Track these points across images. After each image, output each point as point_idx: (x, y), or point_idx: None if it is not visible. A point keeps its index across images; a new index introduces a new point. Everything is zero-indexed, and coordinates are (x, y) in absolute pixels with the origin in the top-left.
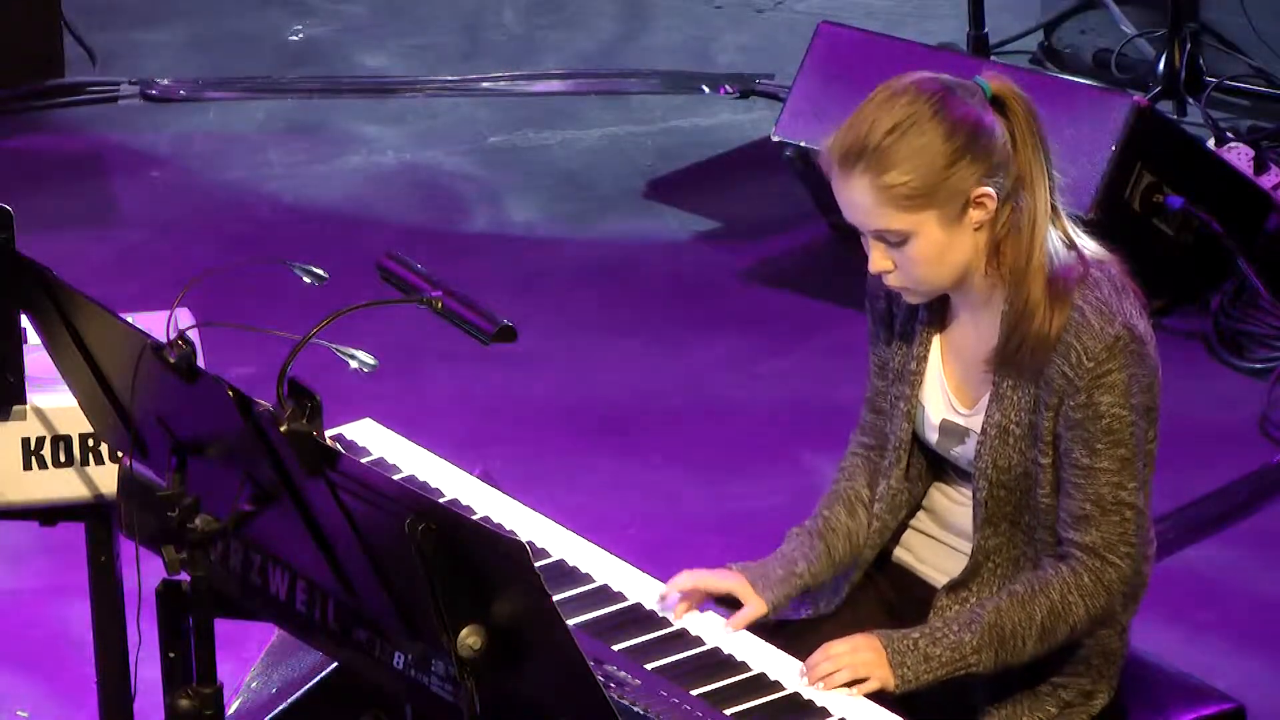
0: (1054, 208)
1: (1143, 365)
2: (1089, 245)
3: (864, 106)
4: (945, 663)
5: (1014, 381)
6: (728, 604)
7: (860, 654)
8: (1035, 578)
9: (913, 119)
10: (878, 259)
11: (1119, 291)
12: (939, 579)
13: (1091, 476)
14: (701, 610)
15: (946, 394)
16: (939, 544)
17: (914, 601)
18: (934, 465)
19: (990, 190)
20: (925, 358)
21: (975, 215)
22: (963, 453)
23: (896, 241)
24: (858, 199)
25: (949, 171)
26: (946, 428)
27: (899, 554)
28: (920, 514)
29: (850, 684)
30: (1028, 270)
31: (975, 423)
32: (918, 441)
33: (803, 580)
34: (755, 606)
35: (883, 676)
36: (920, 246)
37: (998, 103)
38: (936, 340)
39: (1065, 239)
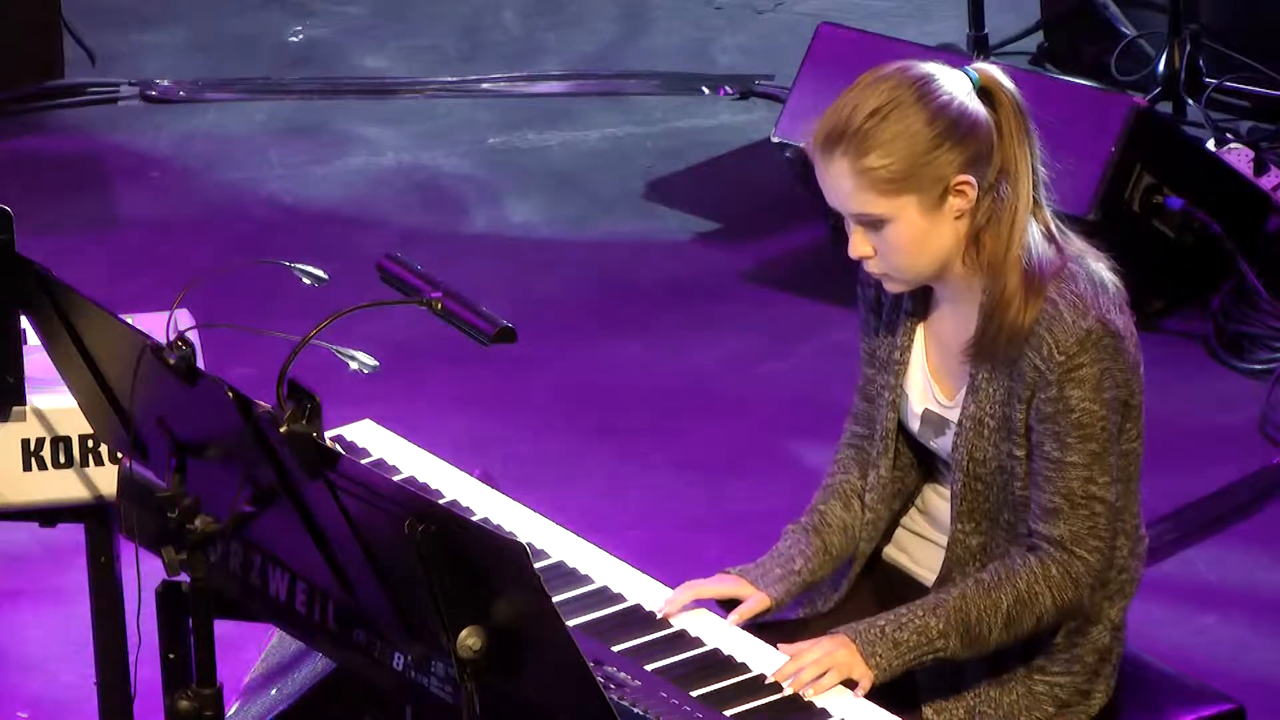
0: (1036, 201)
1: (1117, 360)
2: (1073, 241)
3: (848, 91)
4: (913, 647)
5: (989, 373)
6: (728, 606)
7: (837, 654)
8: (1003, 566)
9: (895, 103)
10: (858, 243)
11: (1096, 285)
12: (931, 578)
13: (1061, 470)
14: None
15: (929, 384)
16: (932, 544)
17: (908, 601)
18: (926, 461)
19: (970, 178)
20: (909, 347)
21: (955, 203)
22: (942, 444)
23: (876, 226)
24: (838, 182)
25: (929, 156)
26: (928, 418)
27: (893, 554)
28: (914, 513)
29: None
30: (1005, 261)
31: (955, 414)
32: (905, 432)
33: (801, 578)
34: (760, 600)
35: (862, 672)
36: (899, 232)
37: (985, 94)
38: (920, 330)
39: (1046, 233)
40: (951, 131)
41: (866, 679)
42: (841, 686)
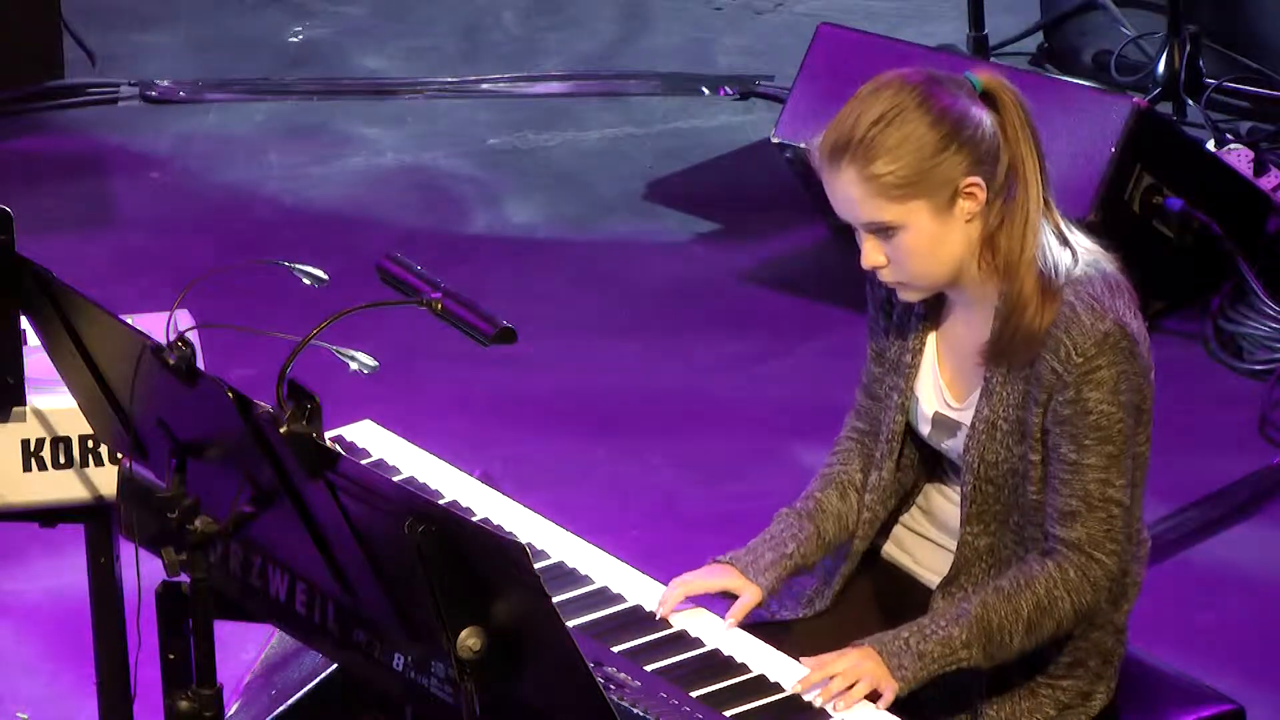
0: (1047, 203)
1: (1133, 363)
2: (1084, 242)
3: (850, 102)
4: (937, 658)
5: (1004, 376)
6: (725, 594)
7: (865, 665)
8: (1021, 572)
9: (898, 109)
10: (870, 253)
11: (1112, 289)
12: (933, 579)
13: (1078, 472)
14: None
15: (940, 387)
16: (934, 545)
17: (909, 602)
18: (929, 462)
19: (979, 180)
20: (920, 350)
21: (966, 206)
22: (953, 446)
23: (888, 234)
24: (847, 192)
25: (935, 160)
26: (939, 420)
27: (894, 553)
28: (916, 513)
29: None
30: (1020, 263)
31: (966, 416)
32: (911, 434)
33: (793, 561)
34: (751, 594)
35: (888, 684)
36: (911, 238)
37: (988, 97)
38: (932, 334)
39: (1058, 234)
40: (956, 134)
41: (891, 690)
42: (865, 700)
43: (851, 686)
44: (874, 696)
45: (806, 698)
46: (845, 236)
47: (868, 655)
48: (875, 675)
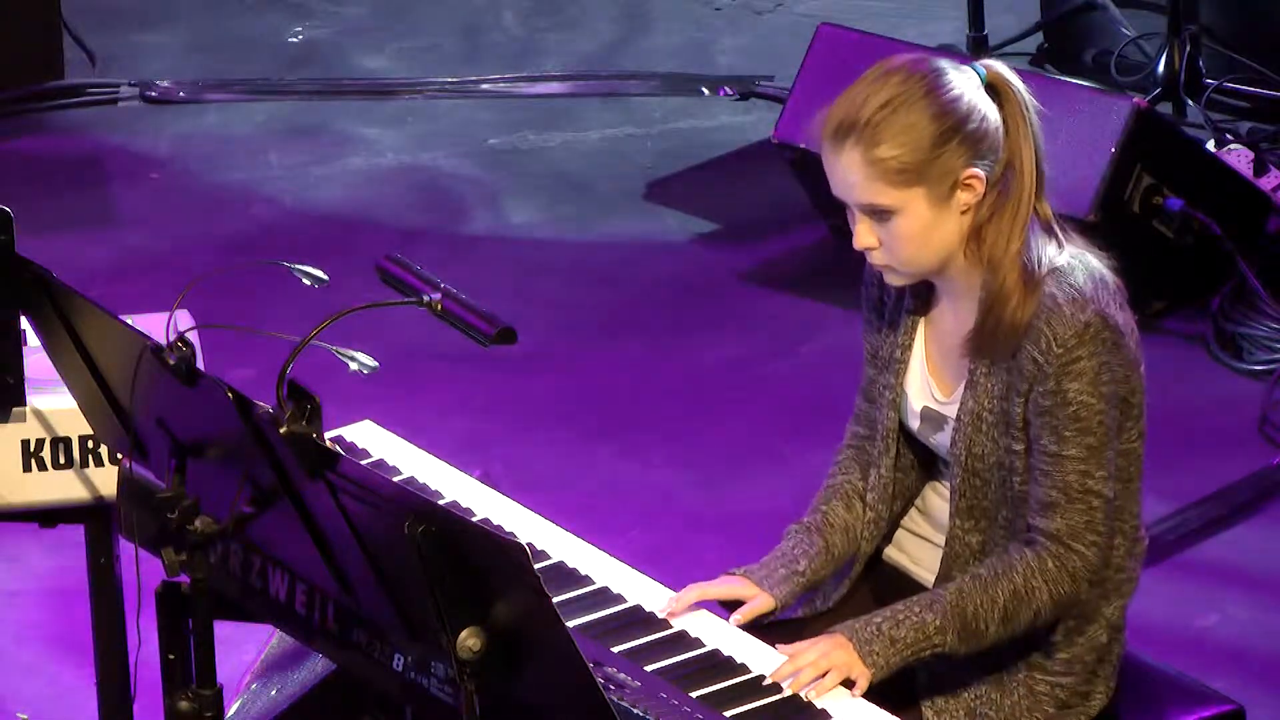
0: (1040, 197)
1: (1116, 354)
2: (1073, 239)
3: (857, 83)
4: (910, 644)
5: (987, 368)
6: (731, 607)
7: (835, 654)
8: (1000, 561)
9: (904, 96)
10: (863, 234)
11: (1095, 281)
12: (931, 579)
13: (1059, 464)
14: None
15: (927, 381)
16: (930, 544)
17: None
18: (927, 461)
19: (979, 172)
20: (910, 346)
21: (963, 197)
22: (941, 440)
23: (883, 218)
24: (848, 173)
25: (938, 150)
26: (927, 414)
27: (894, 555)
28: (914, 514)
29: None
30: (1005, 256)
31: (953, 410)
32: (906, 434)
33: (805, 579)
34: (763, 601)
35: (860, 671)
36: (907, 223)
37: (992, 89)
38: (921, 328)
39: (1047, 228)
40: (960, 126)
41: (864, 678)
42: (841, 687)
43: (824, 676)
44: (850, 685)
45: (785, 688)
46: (845, 237)
47: (839, 644)
48: (846, 664)
